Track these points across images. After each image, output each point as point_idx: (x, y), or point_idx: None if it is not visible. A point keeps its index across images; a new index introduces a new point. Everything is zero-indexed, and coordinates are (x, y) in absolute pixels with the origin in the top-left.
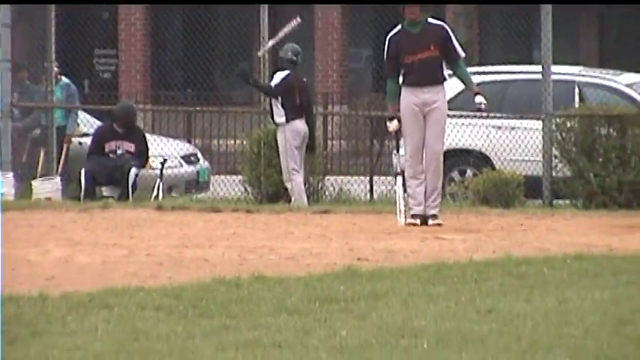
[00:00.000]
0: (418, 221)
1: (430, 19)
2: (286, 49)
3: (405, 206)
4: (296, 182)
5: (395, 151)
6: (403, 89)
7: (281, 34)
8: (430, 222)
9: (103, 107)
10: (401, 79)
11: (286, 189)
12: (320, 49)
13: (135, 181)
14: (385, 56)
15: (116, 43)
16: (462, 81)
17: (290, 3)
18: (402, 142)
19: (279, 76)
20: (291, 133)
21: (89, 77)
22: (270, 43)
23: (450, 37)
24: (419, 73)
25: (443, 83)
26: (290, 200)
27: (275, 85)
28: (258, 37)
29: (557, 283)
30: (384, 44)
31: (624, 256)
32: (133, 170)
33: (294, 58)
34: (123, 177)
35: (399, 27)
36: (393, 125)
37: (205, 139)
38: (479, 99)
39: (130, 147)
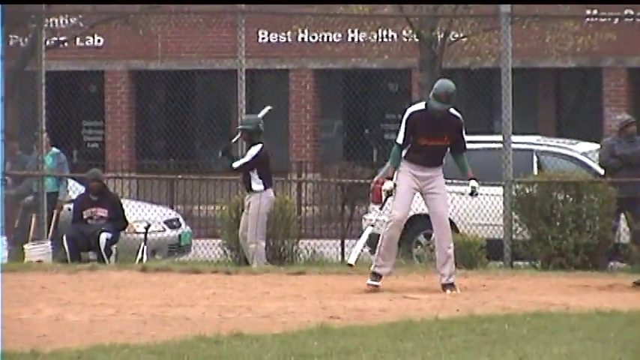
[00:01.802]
0: (379, 283)
1: (451, 110)
2: (254, 122)
3: (360, 253)
4: (261, 245)
5: (378, 208)
6: (406, 163)
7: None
8: (448, 292)
9: None
10: (405, 152)
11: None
12: (294, 120)
13: (108, 245)
14: (404, 127)
15: (103, 115)
16: (461, 167)
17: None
18: (387, 204)
19: (255, 150)
20: (266, 200)
21: (77, 147)
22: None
23: (463, 131)
24: (427, 156)
25: (442, 165)
26: (247, 262)
27: (252, 158)
28: (236, 109)
29: (517, 339)
30: (403, 114)
31: (580, 314)
32: (104, 235)
33: (261, 128)
34: (95, 242)
35: (423, 105)
36: (388, 185)
37: (187, 205)
38: (473, 183)
39: (104, 212)
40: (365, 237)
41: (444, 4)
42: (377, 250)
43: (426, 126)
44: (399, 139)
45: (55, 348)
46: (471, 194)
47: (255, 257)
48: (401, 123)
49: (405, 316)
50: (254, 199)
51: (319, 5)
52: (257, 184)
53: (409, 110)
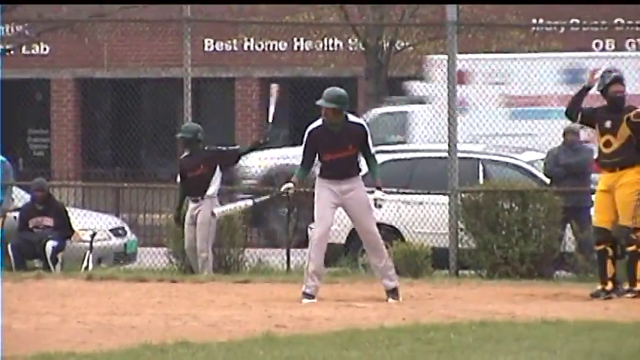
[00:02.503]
0: (315, 300)
1: (350, 117)
2: (193, 130)
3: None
4: (210, 254)
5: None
6: (320, 179)
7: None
8: (390, 299)
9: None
10: (318, 170)
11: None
12: (240, 129)
13: (54, 254)
14: (304, 148)
15: (49, 123)
16: (372, 173)
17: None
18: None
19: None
20: (216, 206)
21: (23, 155)
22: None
23: (367, 137)
24: (337, 169)
25: (359, 174)
26: (193, 271)
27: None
28: (182, 118)
29: (462, 348)
30: (304, 134)
31: (526, 323)
32: (50, 243)
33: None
34: (41, 250)
35: (320, 121)
36: (286, 185)
37: (132, 213)
38: (377, 194)
39: (50, 222)
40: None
41: (390, 14)
42: (306, 271)
43: (326, 140)
44: (303, 160)
45: (0, 357)
46: (375, 205)
47: (205, 266)
48: (304, 142)
49: (351, 324)
50: (205, 206)
51: (265, 14)
52: (211, 190)
53: (308, 129)
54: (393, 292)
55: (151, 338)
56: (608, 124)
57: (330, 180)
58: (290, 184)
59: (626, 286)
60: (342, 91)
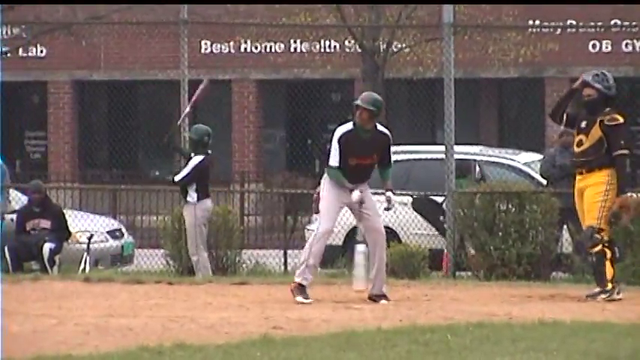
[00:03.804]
0: (310, 300)
1: (379, 126)
2: (201, 132)
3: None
4: (202, 257)
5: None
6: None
7: (194, 98)
8: (383, 301)
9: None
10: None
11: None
12: (237, 130)
13: (51, 256)
14: (335, 150)
15: (45, 125)
16: (383, 178)
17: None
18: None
19: (195, 161)
20: (201, 212)
21: (20, 158)
22: (187, 109)
23: (390, 148)
24: (356, 174)
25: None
26: (194, 273)
27: (192, 169)
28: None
29: (460, 350)
30: (333, 135)
31: (523, 324)
32: (47, 245)
33: (207, 140)
34: (38, 253)
35: (351, 125)
36: (355, 195)
37: (129, 215)
38: (389, 195)
39: (47, 224)
40: (360, 258)
41: (386, 15)
42: (304, 263)
43: (355, 146)
44: (334, 162)
45: None
46: (387, 209)
47: (199, 269)
48: (331, 144)
49: (348, 326)
50: (188, 211)
51: (262, 16)
52: (191, 196)
53: (339, 131)
54: (383, 296)
55: (148, 340)
56: (583, 124)
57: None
58: (358, 192)
59: (597, 289)
60: (380, 97)
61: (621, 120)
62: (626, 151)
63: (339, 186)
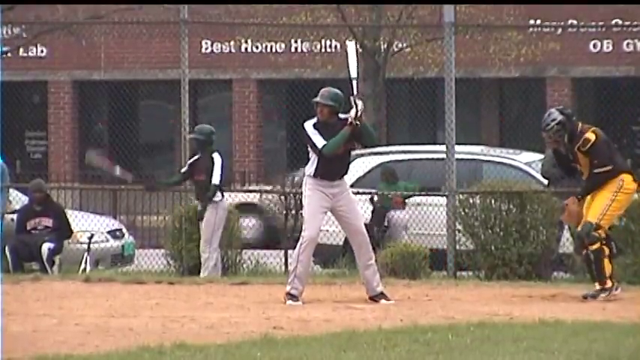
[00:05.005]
0: (300, 302)
1: (341, 115)
2: (207, 132)
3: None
4: (215, 257)
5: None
6: (313, 181)
7: (108, 165)
8: (383, 301)
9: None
10: (313, 169)
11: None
12: (237, 130)
13: (50, 256)
14: (314, 134)
15: (46, 125)
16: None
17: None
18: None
19: (219, 159)
20: (222, 211)
21: (21, 158)
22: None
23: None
24: (333, 167)
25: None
26: (195, 273)
27: (222, 173)
28: (180, 120)
29: (461, 350)
30: (304, 130)
31: (524, 324)
32: (46, 245)
33: (213, 138)
34: (37, 253)
35: (314, 120)
36: (353, 111)
37: (130, 215)
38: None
39: (48, 222)
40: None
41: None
42: (293, 272)
43: (329, 133)
44: (321, 143)
45: None
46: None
47: (207, 267)
48: (307, 133)
49: (349, 326)
50: (211, 209)
51: (262, 16)
52: (217, 196)
53: (308, 123)
54: (382, 295)
55: (148, 340)
56: (571, 157)
57: (322, 181)
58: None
59: (595, 288)
60: (338, 91)
61: (593, 137)
62: (603, 169)
63: (321, 191)
